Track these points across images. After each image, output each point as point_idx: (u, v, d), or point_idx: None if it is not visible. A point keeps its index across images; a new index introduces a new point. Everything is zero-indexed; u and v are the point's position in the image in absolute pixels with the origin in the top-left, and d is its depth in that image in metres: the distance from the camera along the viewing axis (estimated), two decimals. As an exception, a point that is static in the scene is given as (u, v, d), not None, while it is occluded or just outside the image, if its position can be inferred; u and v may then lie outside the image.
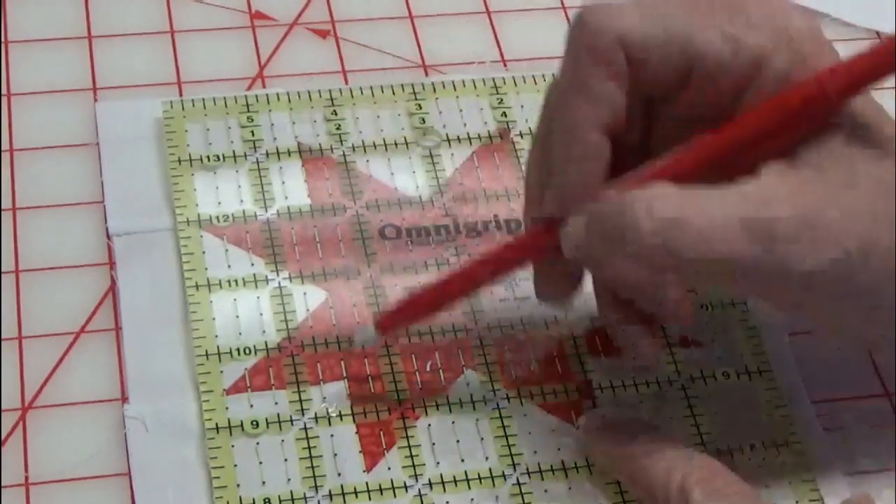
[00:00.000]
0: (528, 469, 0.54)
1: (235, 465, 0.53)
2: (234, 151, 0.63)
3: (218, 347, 0.56)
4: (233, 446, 0.54)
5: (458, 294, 0.54)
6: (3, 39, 0.67)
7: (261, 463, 0.54)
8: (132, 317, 0.58)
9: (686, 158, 0.50)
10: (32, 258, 0.59)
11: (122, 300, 0.58)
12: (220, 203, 0.61)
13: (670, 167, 0.50)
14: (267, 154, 0.63)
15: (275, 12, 0.70)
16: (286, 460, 0.54)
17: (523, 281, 0.59)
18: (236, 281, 0.58)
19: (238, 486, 0.53)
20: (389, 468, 0.54)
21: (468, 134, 0.65)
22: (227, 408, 0.55)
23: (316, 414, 0.55)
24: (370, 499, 0.53)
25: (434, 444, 0.55)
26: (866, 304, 0.49)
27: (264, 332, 0.57)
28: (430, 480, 0.54)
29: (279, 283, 0.59)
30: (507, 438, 0.55)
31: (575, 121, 0.50)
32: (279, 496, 0.53)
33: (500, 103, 0.66)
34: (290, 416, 0.55)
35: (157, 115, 0.64)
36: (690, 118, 0.51)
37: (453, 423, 0.55)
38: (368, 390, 0.56)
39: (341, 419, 0.55)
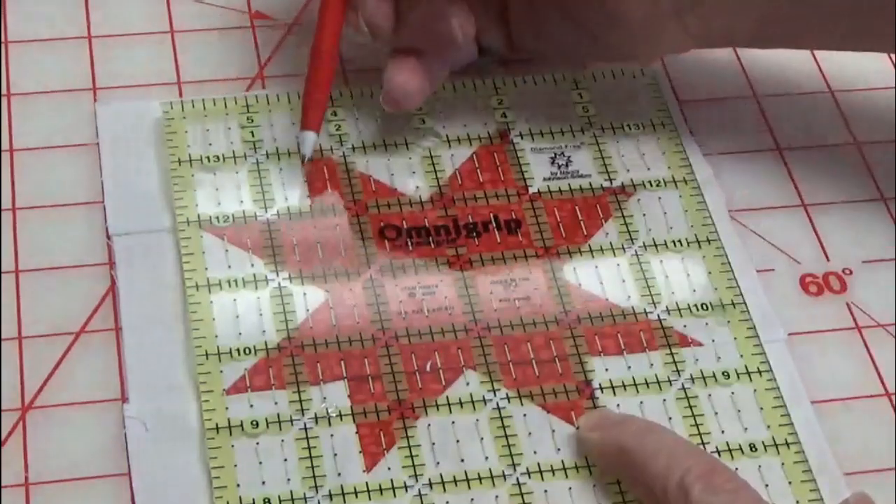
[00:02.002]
0: (528, 469, 0.54)
1: (235, 465, 0.53)
2: (233, 152, 0.63)
3: (218, 347, 0.56)
4: (233, 446, 0.54)
5: (332, 46, 0.59)
6: (3, 39, 0.67)
7: (261, 463, 0.54)
8: (132, 317, 0.58)
9: None
10: (32, 258, 0.59)
11: (122, 300, 0.58)
12: (219, 203, 0.61)
13: None
14: (267, 155, 0.63)
15: (275, 12, 0.70)
16: (286, 460, 0.54)
17: (523, 281, 0.59)
18: (236, 281, 0.58)
19: (238, 486, 0.53)
20: (389, 468, 0.54)
21: (468, 134, 0.65)
22: (227, 408, 0.55)
23: (316, 414, 0.55)
24: (370, 499, 0.53)
25: (434, 444, 0.55)
26: None
27: (264, 332, 0.57)
28: (430, 480, 0.54)
29: (279, 283, 0.59)
30: (507, 438, 0.55)
31: None
32: (279, 496, 0.53)
33: (500, 103, 0.66)
34: (290, 416, 0.55)
35: (156, 116, 0.64)
36: None
37: (453, 423, 0.55)
38: (368, 390, 0.56)
39: (341, 419, 0.55)
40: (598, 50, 0.64)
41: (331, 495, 0.53)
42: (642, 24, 0.60)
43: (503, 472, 0.54)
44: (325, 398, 0.56)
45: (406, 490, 0.53)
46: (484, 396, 0.56)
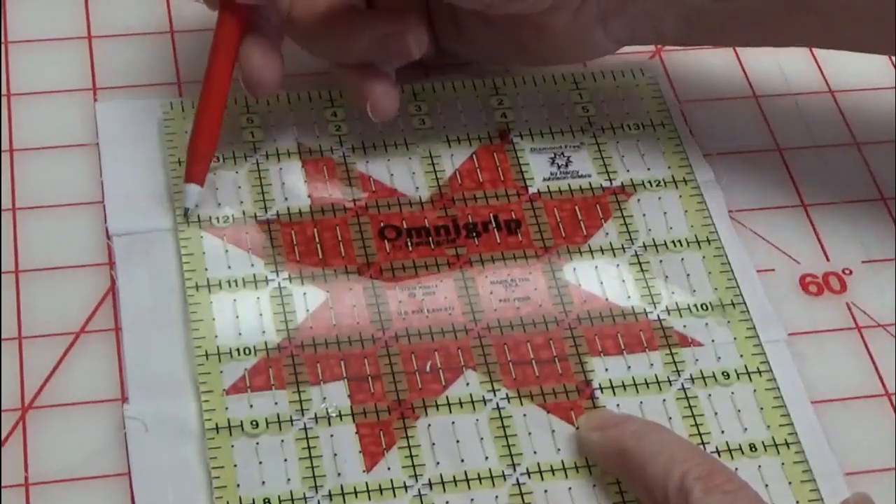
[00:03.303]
0: (528, 469, 0.54)
1: (235, 465, 0.53)
2: (233, 152, 0.63)
3: (218, 347, 0.56)
4: (233, 446, 0.54)
5: (220, 99, 0.59)
6: (3, 39, 0.67)
7: (261, 463, 0.54)
8: (132, 317, 0.58)
9: None
10: (32, 258, 0.59)
11: (122, 300, 0.58)
12: (220, 204, 0.61)
13: None
14: (267, 155, 0.63)
15: (275, 12, 0.70)
16: (286, 460, 0.54)
17: (523, 281, 0.59)
18: (236, 281, 0.58)
19: (238, 486, 0.53)
20: (389, 468, 0.54)
21: (468, 134, 0.65)
22: (227, 408, 0.55)
23: (316, 414, 0.55)
24: (370, 499, 0.53)
25: (434, 444, 0.55)
26: None
27: (264, 332, 0.57)
28: (430, 480, 0.54)
29: (279, 283, 0.59)
30: (507, 438, 0.55)
31: None
32: (279, 496, 0.53)
33: (500, 104, 0.66)
34: (290, 416, 0.55)
35: (157, 115, 0.64)
36: None
37: (453, 423, 0.55)
38: (368, 390, 0.56)
39: (341, 419, 0.55)
40: (520, 55, 0.64)
41: (331, 495, 0.53)
42: (566, 33, 0.61)
43: (503, 472, 0.54)
44: (325, 398, 0.56)
45: (406, 490, 0.53)
46: (484, 396, 0.56)
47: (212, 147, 0.60)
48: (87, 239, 0.60)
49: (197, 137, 0.60)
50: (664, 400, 0.56)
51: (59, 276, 0.59)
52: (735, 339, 0.58)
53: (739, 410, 0.56)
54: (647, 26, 0.61)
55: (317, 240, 0.60)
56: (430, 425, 0.55)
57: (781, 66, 0.70)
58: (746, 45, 0.67)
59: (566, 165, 0.64)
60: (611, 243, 0.61)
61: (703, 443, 0.55)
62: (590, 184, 0.63)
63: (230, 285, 0.58)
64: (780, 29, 0.61)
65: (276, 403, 0.55)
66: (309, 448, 0.54)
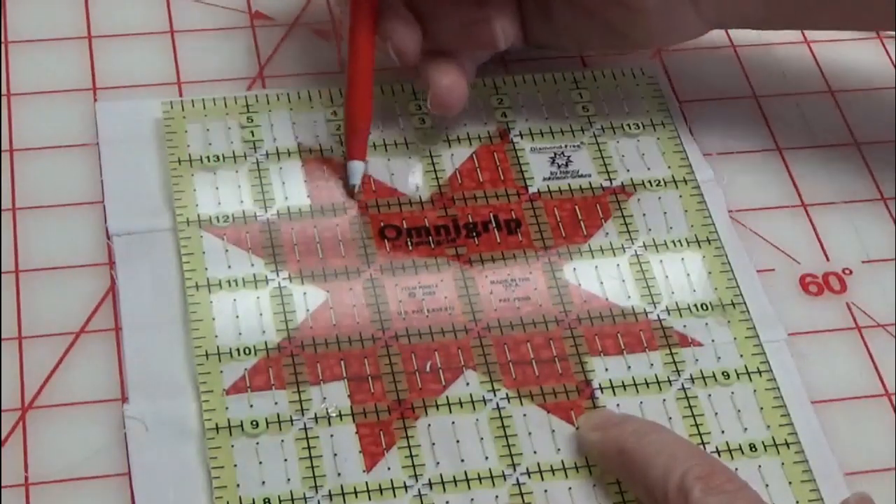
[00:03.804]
0: (528, 469, 0.54)
1: (235, 465, 0.53)
2: (233, 152, 0.63)
3: (218, 347, 0.56)
4: (233, 446, 0.54)
5: (367, 73, 0.60)
6: (3, 39, 0.67)
7: (261, 463, 0.54)
8: (132, 317, 0.58)
9: None
10: (32, 258, 0.59)
11: (122, 300, 0.58)
12: (220, 203, 0.61)
13: None
14: (267, 154, 0.63)
15: (275, 12, 0.70)
16: (286, 460, 0.54)
17: (523, 281, 0.59)
18: (236, 281, 0.58)
19: (238, 486, 0.53)
20: (389, 468, 0.54)
21: (468, 134, 0.65)
22: (227, 408, 0.55)
23: (316, 414, 0.55)
24: (370, 499, 0.53)
25: (434, 444, 0.55)
26: None
27: (264, 332, 0.57)
28: (430, 480, 0.54)
29: (279, 283, 0.59)
30: (507, 438, 0.55)
31: None
32: (279, 496, 0.53)
33: (500, 103, 0.66)
34: (290, 416, 0.55)
35: (157, 115, 0.64)
36: None
37: (453, 423, 0.55)
38: (368, 390, 0.56)
39: (341, 419, 0.55)
40: (612, 40, 0.64)
41: (331, 495, 0.53)
42: (657, 12, 0.61)
43: (503, 472, 0.54)
44: (325, 398, 0.56)
45: (406, 490, 0.53)
46: (484, 396, 0.56)
47: (367, 121, 0.61)
48: (87, 239, 0.60)
49: (352, 114, 0.61)
50: (664, 400, 0.56)
51: (59, 276, 0.59)
52: (735, 339, 0.58)
53: (739, 410, 0.56)
54: (733, 7, 0.62)
55: (317, 239, 0.60)
56: (430, 425, 0.55)
57: (781, 66, 0.70)
58: (827, 28, 0.68)
59: (566, 165, 0.64)
60: (611, 243, 0.61)
61: (703, 443, 0.55)
62: (590, 183, 0.63)
63: (230, 285, 0.58)
64: (857, 10, 0.61)
65: (276, 403, 0.55)
66: (309, 448, 0.54)
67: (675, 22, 0.62)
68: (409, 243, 0.60)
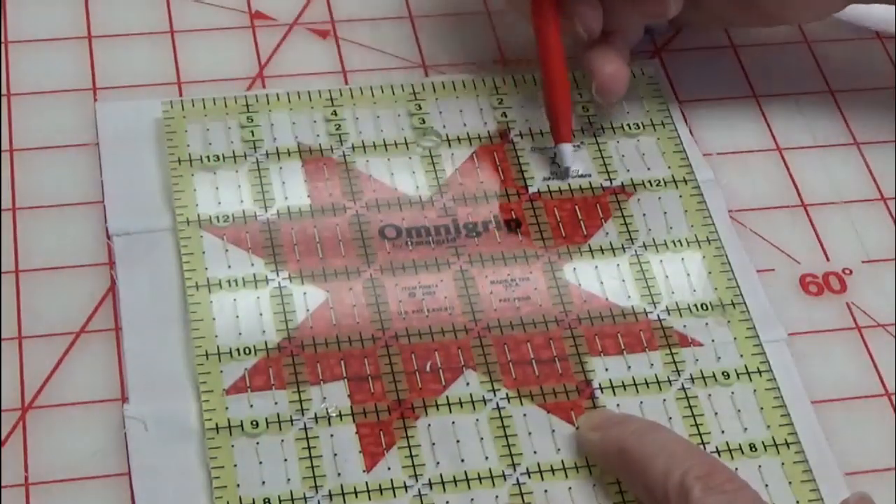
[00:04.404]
0: (528, 469, 0.54)
1: (235, 465, 0.53)
2: (233, 151, 0.63)
3: (218, 347, 0.56)
4: (233, 446, 0.54)
5: (560, 59, 0.62)
6: (3, 39, 0.67)
7: (261, 463, 0.54)
8: (132, 317, 0.58)
9: None
10: (32, 258, 0.59)
11: (122, 300, 0.58)
12: (220, 203, 0.61)
13: None
14: (267, 154, 0.63)
15: (275, 12, 0.70)
16: (286, 460, 0.54)
17: (523, 281, 0.59)
18: (236, 281, 0.58)
19: (238, 486, 0.53)
20: (389, 468, 0.54)
21: (468, 134, 0.65)
22: (227, 408, 0.55)
23: (316, 414, 0.55)
24: (370, 499, 0.53)
25: (434, 444, 0.55)
26: None
27: (264, 332, 0.57)
28: (430, 480, 0.54)
29: (279, 283, 0.59)
30: (507, 438, 0.55)
31: None
32: (279, 496, 0.53)
33: (500, 103, 0.66)
34: (290, 416, 0.55)
35: (157, 115, 0.64)
36: None
37: (453, 423, 0.55)
38: (368, 390, 0.56)
39: (341, 419, 0.55)
40: (751, 16, 0.65)
41: (331, 495, 0.53)
42: None
43: (503, 472, 0.54)
44: (325, 398, 0.56)
45: (406, 490, 0.53)
46: (484, 396, 0.56)
47: (568, 104, 0.63)
48: (87, 239, 0.60)
49: (554, 99, 0.63)
50: (664, 400, 0.56)
51: (59, 276, 0.59)
52: (735, 338, 0.58)
53: (739, 410, 0.56)
54: None
55: (317, 239, 0.60)
56: (430, 425, 0.55)
57: (782, 66, 0.70)
58: None
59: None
60: (611, 243, 0.61)
61: (703, 443, 0.55)
62: (590, 183, 0.63)
63: (230, 285, 0.58)
64: None
65: (276, 403, 0.55)
66: (309, 448, 0.54)
67: None
68: (409, 243, 0.60)
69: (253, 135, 0.63)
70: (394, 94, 0.65)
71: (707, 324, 0.59)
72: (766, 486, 0.54)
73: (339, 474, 0.54)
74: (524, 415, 0.56)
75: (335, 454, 0.54)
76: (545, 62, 0.63)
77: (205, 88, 0.66)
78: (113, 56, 0.67)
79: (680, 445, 0.52)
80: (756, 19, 0.66)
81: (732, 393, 0.57)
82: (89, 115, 0.64)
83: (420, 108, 0.65)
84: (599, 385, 0.57)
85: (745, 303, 0.59)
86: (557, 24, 0.62)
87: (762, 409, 0.56)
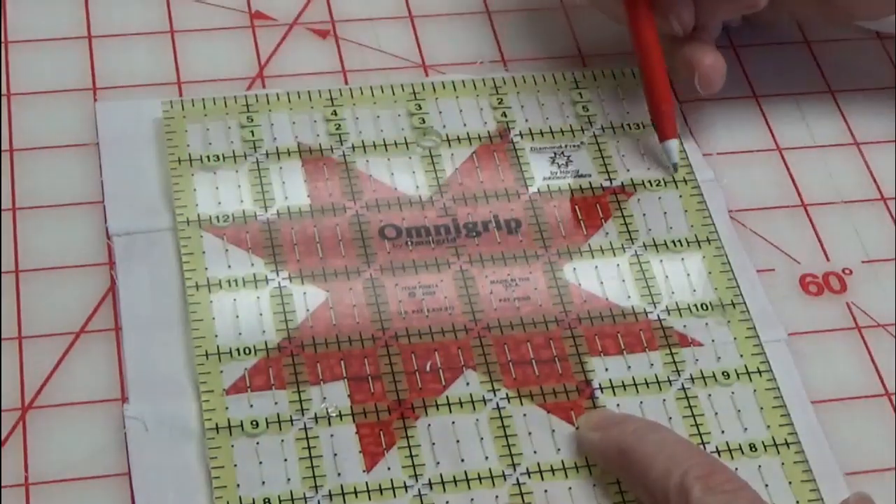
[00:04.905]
0: (528, 469, 0.54)
1: (235, 465, 0.53)
2: (233, 151, 0.63)
3: (218, 347, 0.56)
4: (233, 446, 0.54)
5: (659, 57, 0.63)
6: (3, 39, 0.67)
7: (261, 463, 0.54)
8: (132, 317, 0.58)
9: None
10: (32, 258, 0.59)
11: (122, 300, 0.58)
12: (220, 203, 0.61)
13: None
14: (267, 154, 0.63)
15: (275, 12, 0.70)
16: (286, 460, 0.54)
17: (523, 281, 0.59)
18: (236, 281, 0.58)
19: (238, 486, 0.53)
20: (389, 468, 0.54)
21: (468, 134, 0.65)
22: (227, 408, 0.55)
23: (316, 414, 0.55)
24: (370, 499, 0.53)
25: (434, 444, 0.55)
26: None
27: (264, 332, 0.57)
28: (430, 480, 0.54)
29: (279, 283, 0.59)
30: (507, 438, 0.55)
31: None
32: (279, 496, 0.53)
33: (500, 103, 0.66)
34: (290, 416, 0.55)
35: (156, 115, 0.64)
36: None
37: (453, 423, 0.55)
38: (368, 390, 0.56)
39: (341, 419, 0.55)
40: (831, 11, 0.65)
41: (331, 495, 0.53)
42: None
43: (503, 472, 0.54)
44: (325, 398, 0.56)
45: (406, 490, 0.53)
46: (484, 396, 0.56)
47: (670, 100, 0.64)
48: (87, 239, 0.60)
49: (656, 98, 0.64)
50: (664, 400, 0.56)
51: (59, 276, 0.59)
52: (735, 338, 0.58)
53: (739, 410, 0.56)
54: None
55: (317, 239, 0.60)
56: (430, 425, 0.55)
57: (782, 66, 0.70)
58: None
59: (566, 165, 0.64)
60: (611, 243, 0.61)
61: (703, 443, 0.55)
62: (590, 183, 0.63)
63: (230, 285, 0.58)
64: None
65: (276, 403, 0.55)
66: (309, 448, 0.54)
67: None
68: (409, 243, 0.60)
69: (253, 135, 0.63)
70: (394, 94, 0.65)
71: (707, 324, 0.59)
72: (766, 486, 0.54)
73: (339, 474, 0.54)
74: (524, 415, 0.56)
75: (335, 454, 0.54)
76: (645, 61, 0.63)
77: (205, 88, 0.66)
78: (113, 56, 0.67)
79: (680, 445, 0.52)
80: (831, 15, 0.67)
81: (732, 393, 0.57)
82: (89, 115, 0.64)
83: (420, 108, 0.65)
84: (599, 385, 0.57)
85: (745, 303, 0.59)
86: (652, 21, 0.63)
87: (762, 409, 0.56)
